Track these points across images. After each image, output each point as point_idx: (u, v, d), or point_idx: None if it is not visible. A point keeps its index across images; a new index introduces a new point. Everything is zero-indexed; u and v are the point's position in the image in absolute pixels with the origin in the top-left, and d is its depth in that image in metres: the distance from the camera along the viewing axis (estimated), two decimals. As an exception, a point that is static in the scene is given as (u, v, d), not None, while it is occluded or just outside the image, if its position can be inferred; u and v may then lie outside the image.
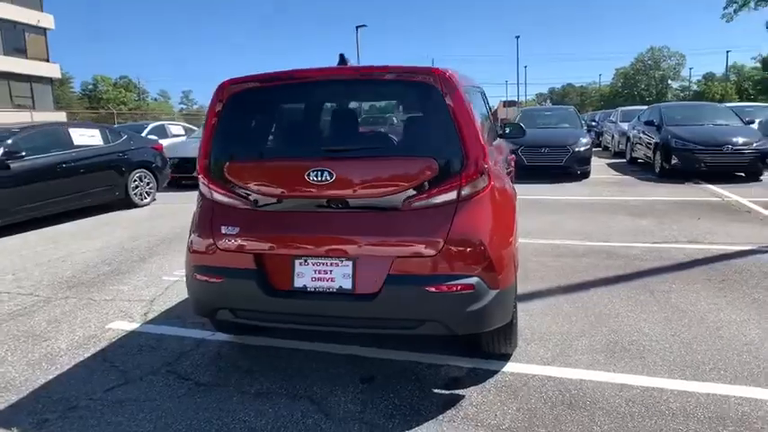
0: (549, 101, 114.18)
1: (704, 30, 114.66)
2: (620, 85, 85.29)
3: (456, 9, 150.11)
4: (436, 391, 2.73)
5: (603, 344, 3.17)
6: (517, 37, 47.99)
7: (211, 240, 2.75)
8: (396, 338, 3.19)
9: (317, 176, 2.56)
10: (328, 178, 2.55)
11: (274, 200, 2.71)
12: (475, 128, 2.53)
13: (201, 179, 2.89)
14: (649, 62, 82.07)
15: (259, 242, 2.68)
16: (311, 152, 2.68)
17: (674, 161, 10.01)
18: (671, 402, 2.53)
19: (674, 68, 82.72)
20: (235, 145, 2.84)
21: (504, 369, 2.91)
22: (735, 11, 65.40)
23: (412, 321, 2.53)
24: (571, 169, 10.50)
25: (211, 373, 3.01)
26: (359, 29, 36.34)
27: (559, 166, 10.38)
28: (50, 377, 3.00)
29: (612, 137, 16.92)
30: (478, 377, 2.84)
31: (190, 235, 2.96)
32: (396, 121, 2.76)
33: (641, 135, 12.13)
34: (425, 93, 2.55)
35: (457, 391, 2.71)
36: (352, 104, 2.85)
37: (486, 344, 2.91)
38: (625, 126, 14.61)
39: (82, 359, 3.22)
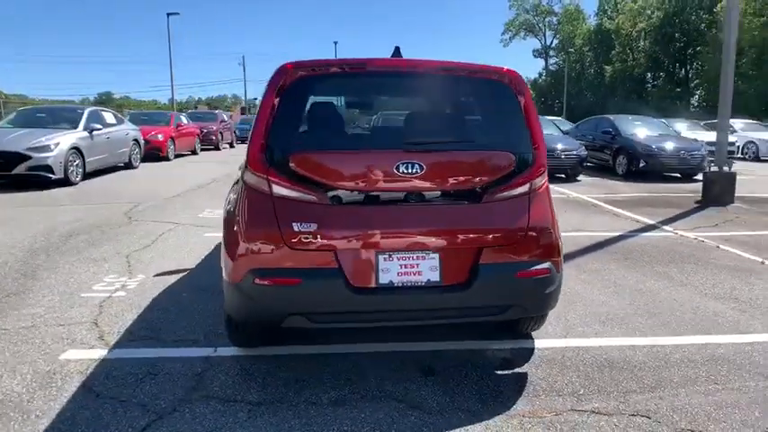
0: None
1: (492, 53, 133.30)
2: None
3: (270, 3, 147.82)
4: (499, 372, 2.90)
5: (589, 316, 3.71)
6: (335, 43, 49.36)
7: (279, 239, 2.47)
8: (417, 330, 3.24)
9: (407, 169, 2.51)
10: (418, 171, 2.52)
11: (358, 193, 2.56)
12: (540, 126, 2.77)
13: (255, 172, 2.55)
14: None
15: (340, 238, 2.50)
16: (397, 144, 2.59)
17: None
18: (672, 354, 3.13)
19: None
20: (302, 134, 2.59)
21: (537, 346, 3.20)
22: (510, 38, 77.02)
23: (499, 308, 2.66)
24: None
25: (256, 390, 2.67)
26: (170, 16, 33.39)
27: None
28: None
29: None
30: (523, 355, 3.09)
31: (231, 236, 2.60)
32: (467, 116, 2.80)
33: None
34: (501, 91, 2.70)
35: (517, 370, 2.92)
36: (432, 97, 2.82)
37: (524, 326, 3.17)
38: None
39: (64, 401, 2.54)
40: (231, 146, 24.87)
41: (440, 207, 2.62)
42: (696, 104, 48.55)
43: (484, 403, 2.58)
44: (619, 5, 61.15)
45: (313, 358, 3.02)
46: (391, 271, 2.54)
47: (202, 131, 21.13)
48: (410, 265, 2.55)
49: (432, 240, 2.57)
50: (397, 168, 2.51)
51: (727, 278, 4.64)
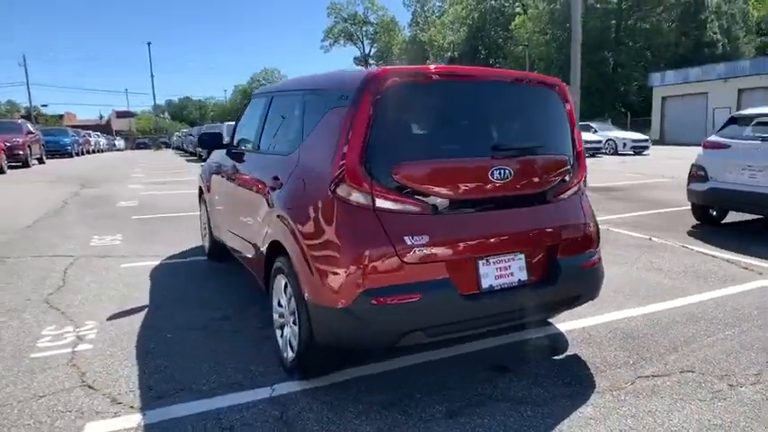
0: (166, 113, 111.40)
1: (315, 58, 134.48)
2: (239, 101, 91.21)
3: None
4: (556, 358, 3.13)
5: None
6: (149, 43, 45.22)
7: (394, 255, 2.34)
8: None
9: (500, 174, 2.58)
10: (508, 176, 2.61)
11: (458, 201, 2.54)
12: (580, 132, 3.07)
13: (355, 187, 2.37)
14: (263, 82, 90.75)
15: (448, 248, 2.46)
16: (487, 151, 2.62)
17: None
18: (661, 319, 3.71)
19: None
20: (401, 144, 2.47)
21: (567, 328, 3.52)
22: (330, 45, 78.87)
23: (573, 299, 2.88)
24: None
25: (361, 420, 2.47)
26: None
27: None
28: None
29: None
30: (560, 340, 3.36)
31: (328, 257, 2.39)
32: (535, 123, 2.91)
33: None
34: (555, 100, 2.92)
35: (568, 353, 3.18)
36: (509, 105, 2.85)
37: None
38: None
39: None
40: (41, 161, 21.30)
41: (522, 209, 2.75)
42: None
43: (571, 387, 2.78)
44: (429, 19, 67.25)
45: (384, 377, 2.88)
46: (490, 275, 2.58)
47: (6, 145, 17.74)
48: (504, 268, 2.63)
49: (519, 241, 2.68)
50: (492, 174, 2.57)
51: (640, 254, 5.56)
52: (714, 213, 6.82)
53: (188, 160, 25.30)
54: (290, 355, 2.83)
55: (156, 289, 4.43)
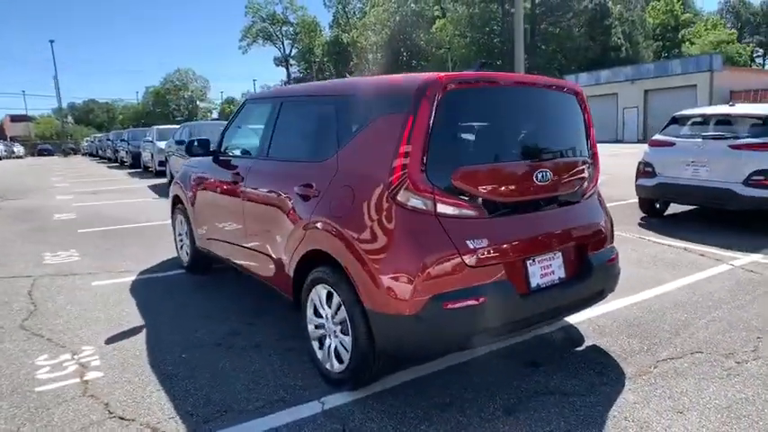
0: (69, 116, 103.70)
1: (233, 58, 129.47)
2: (151, 103, 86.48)
3: None
4: (578, 349, 3.30)
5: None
6: (51, 41, 41.65)
7: (458, 259, 2.38)
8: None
9: (542, 177, 2.70)
10: (549, 178, 2.73)
11: (508, 203, 2.61)
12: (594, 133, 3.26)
13: (418, 193, 2.38)
14: (178, 83, 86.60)
15: (505, 249, 2.54)
16: (531, 154, 2.71)
17: None
18: (653, 305, 4.02)
19: (202, 90, 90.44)
20: (457, 149, 2.51)
21: (575, 321, 3.71)
22: (248, 45, 76.85)
23: (600, 293, 3.05)
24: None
25: (424, 424, 2.48)
26: None
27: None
28: None
29: (152, 156, 15.68)
30: (573, 332, 3.55)
31: (393, 263, 2.38)
32: (565, 127, 3.04)
33: (176, 155, 11.33)
34: (575, 105, 3.07)
35: (588, 344, 3.36)
36: (546, 110, 2.93)
37: None
38: (162, 144, 14.01)
39: None
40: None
41: (559, 210, 2.87)
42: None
43: (603, 375, 2.95)
44: (351, 20, 67.46)
45: (426, 380, 2.90)
46: (536, 274, 2.69)
47: None
48: (546, 266, 2.74)
49: (558, 240, 2.81)
50: (536, 177, 2.67)
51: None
52: (658, 206, 7.44)
53: (109, 167, 23.66)
54: (335, 366, 2.77)
55: (145, 307, 4.14)
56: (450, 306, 2.35)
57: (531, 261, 2.67)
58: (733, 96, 25.85)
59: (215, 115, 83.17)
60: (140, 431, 2.47)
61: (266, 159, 3.51)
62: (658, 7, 52.43)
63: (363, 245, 2.48)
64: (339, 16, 69.08)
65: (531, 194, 2.71)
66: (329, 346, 2.82)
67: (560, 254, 2.81)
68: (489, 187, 2.55)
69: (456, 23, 48.51)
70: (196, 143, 4.28)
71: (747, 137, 6.29)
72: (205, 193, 4.36)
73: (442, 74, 2.51)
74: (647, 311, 3.89)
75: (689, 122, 7.02)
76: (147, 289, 4.61)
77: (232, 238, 3.93)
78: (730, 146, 6.25)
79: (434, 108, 2.41)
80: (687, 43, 50.38)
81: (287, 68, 76.58)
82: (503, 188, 2.60)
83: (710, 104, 27.35)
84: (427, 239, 2.38)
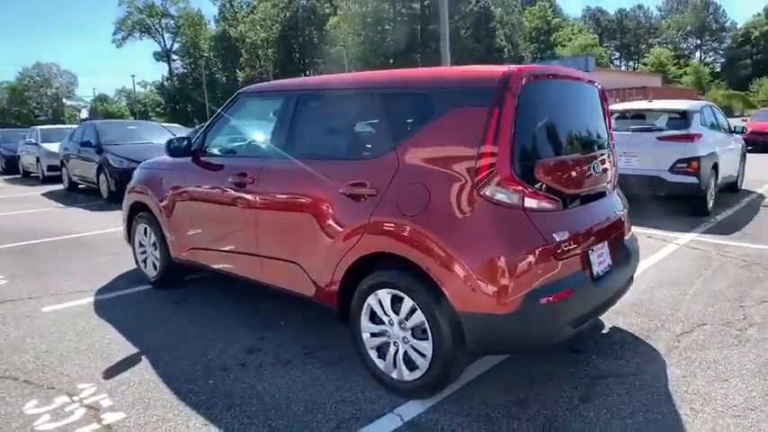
0: None
1: (108, 52, 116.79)
2: (5, 102, 76.31)
3: None
4: (605, 332, 3.46)
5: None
6: None
7: (549, 253, 2.37)
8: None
9: (596, 168, 2.78)
10: (600, 169, 2.83)
11: (576, 195, 2.64)
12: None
13: (508, 187, 2.33)
14: (38, 78, 77.29)
15: (580, 241, 2.57)
16: (590, 146, 2.76)
17: (117, 183, 9.06)
18: (641, 280, 4.34)
19: (68, 87, 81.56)
20: (535, 142, 2.48)
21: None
22: (123, 38, 70.87)
23: (631, 279, 3.21)
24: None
25: (514, 422, 2.44)
26: None
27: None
28: None
29: (38, 160, 13.72)
30: (591, 315, 3.72)
31: (483, 261, 2.31)
32: (598, 119, 3.13)
33: (79, 158, 10.50)
34: (600, 98, 3.19)
35: (610, 326, 3.53)
36: (592, 104, 2.96)
37: None
38: (53, 147, 12.58)
39: None
40: None
41: (603, 199, 2.97)
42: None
43: (642, 355, 3.11)
44: (238, 14, 64.86)
45: (483, 379, 2.86)
46: (595, 263, 2.75)
47: None
48: (600, 254, 2.82)
49: (607, 229, 2.90)
50: (594, 169, 2.74)
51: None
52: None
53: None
54: (405, 374, 2.63)
55: (127, 331, 3.61)
56: (544, 300, 2.33)
57: (591, 251, 2.73)
58: (606, 94, 28.86)
59: (84, 114, 75.60)
60: (213, 473, 2.15)
61: (284, 159, 3.21)
62: (533, 12, 57.05)
63: (449, 244, 2.37)
64: (225, 10, 66.09)
65: (590, 186, 2.78)
66: (395, 354, 2.67)
67: (606, 242, 2.92)
68: (563, 179, 2.57)
69: (350, 21, 48.71)
70: (177, 143, 3.83)
71: (670, 129, 7.05)
72: (188, 198, 3.90)
73: (516, 66, 2.47)
74: (639, 291, 4.18)
75: (614, 117, 7.68)
76: (117, 310, 4.02)
77: (235, 247, 3.56)
78: (657, 137, 6.95)
79: (517, 100, 2.37)
80: (559, 46, 55.47)
81: (168, 63, 71.68)
82: (572, 180, 2.64)
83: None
84: (519, 234, 2.34)
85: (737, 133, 8.60)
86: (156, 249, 4.39)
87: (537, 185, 2.43)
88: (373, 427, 2.45)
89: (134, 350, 3.32)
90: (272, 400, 2.69)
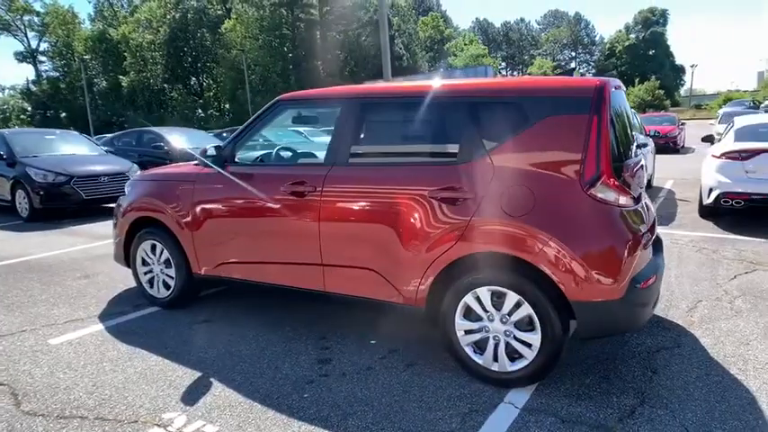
0: None
1: None
2: None
3: None
4: (630, 313, 3.89)
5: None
6: None
7: (639, 243, 2.71)
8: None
9: (643, 167, 3.17)
10: (644, 166, 3.23)
11: (641, 191, 2.99)
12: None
13: (612, 187, 2.62)
14: None
15: (650, 233, 2.93)
16: (638, 147, 3.12)
17: (44, 199, 8.36)
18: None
19: None
20: (618, 145, 2.78)
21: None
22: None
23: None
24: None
25: (610, 393, 2.73)
26: None
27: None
28: None
29: None
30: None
31: (601, 253, 2.60)
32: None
33: None
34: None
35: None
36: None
37: None
38: None
39: None
40: None
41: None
42: (218, 114, 54.21)
43: (671, 329, 3.57)
44: (118, 13, 60.13)
45: (563, 367, 3.12)
46: (649, 251, 3.13)
47: None
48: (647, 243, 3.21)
49: (653, 221, 3.29)
50: (644, 167, 3.13)
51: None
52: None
53: None
54: (508, 366, 2.81)
55: (167, 355, 3.38)
56: (642, 286, 2.64)
57: (650, 240, 3.11)
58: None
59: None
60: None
61: (354, 165, 3.23)
62: (427, 22, 59.61)
63: (562, 240, 2.59)
64: (103, 8, 60.86)
65: (643, 182, 3.16)
66: (495, 347, 2.83)
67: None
68: (634, 178, 2.90)
69: (247, 25, 47.34)
70: (215, 150, 3.66)
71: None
72: (223, 211, 3.72)
73: (601, 78, 2.77)
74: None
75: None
76: (140, 335, 3.72)
77: (287, 257, 3.47)
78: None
79: (609, 109, 2.67)
80: (453, 56, 58.52)
81: (35, 65, 64.30)
82: (638, 178, 2.99)
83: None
84: (621, 229, 2.63)
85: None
86: (168, 267, 4.11)
87: (625, 184, 2.75)
88: (497, 417, 2.59)
89: (195, 373, 3.13)
90: (383, 405, 2.73)
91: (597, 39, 73.88)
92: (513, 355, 2.81)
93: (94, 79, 59.24)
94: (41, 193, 8.32)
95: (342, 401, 2.78)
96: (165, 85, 55.07)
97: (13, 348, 3.56)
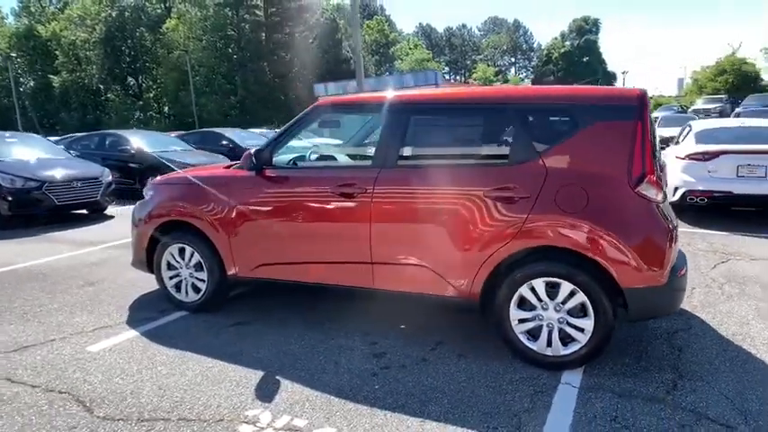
0: None
1: None
2: None
3: None
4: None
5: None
6: None
7: (674, 237, 3.05)
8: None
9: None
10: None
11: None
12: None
13: (652, 184, 2.96)
14: None
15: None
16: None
17: (13, 206, 7.99)
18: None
19: None
20: (654, 148, 3.11)
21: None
22: None
23: None
24: (102, 204, 9.01)
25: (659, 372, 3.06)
26: None
27: (95, 201, 8.72)
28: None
29: None
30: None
31: (658, 243, 2.93)
32: None
33: None
34: None
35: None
36: None
37: None
38: None
39: None
40: None
41: None
42: (158, 116, 52.16)
43: (679, 313, 3.98)
44: (46, 9, 56.69)
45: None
46: (670, 243, 3.51)
47: None
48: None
49: None
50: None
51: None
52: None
53: None
54: (561, 350, 3.08)
55: (220, 357, 3.40)
56: (680, 274, 2.99)
57: (669, 234, 3.48)
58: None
59: None
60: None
61: (405, 167, 3.42)
62: (372, 26, 60.08)
63: (616, 233, 2.89)
64: (30, 3, 57.10)
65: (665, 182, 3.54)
66: (549, 334, 3.09)
67: None
68: (663, 177, 3.25)
69: (190, 25, 45.94)
70: (254, 154, 3.73)
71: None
72: (265, 212, 3.78)
73: (639, 88, 3.10)
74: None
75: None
76: (182, 339, 3.70)
77: (334, 257, 3.59)
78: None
79: (650, 114, 3.00)
80: (398, 60, 59.36)
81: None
82: (664, 177, 3.35)
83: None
84: (662, 222, 2.96)
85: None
86: (199, 271, 4.11)
87: (661, 182, 3.09)
88: (561, 396, 2.85)
89: (257, 372, 3.20)
90: (454, 391, 2.92)
91: (535, 45, 77.46)
92: (566, 340, 3.08)
93: (21, 79, 55.49)
94: (10, 199, 7.87)
95: (414, 390, 2.95)
96: (102, 86, 52.42)
97: (52, 357, 3.47)
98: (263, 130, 18.71)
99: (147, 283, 4.69)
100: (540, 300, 3.10)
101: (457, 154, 3.46)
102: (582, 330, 3.03)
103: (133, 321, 4.09)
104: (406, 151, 3.48)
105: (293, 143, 4.02)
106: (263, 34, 47.84)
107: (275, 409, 2.79)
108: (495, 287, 3.19)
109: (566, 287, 3.02)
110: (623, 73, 61.90)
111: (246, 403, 2.85)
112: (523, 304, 3.15)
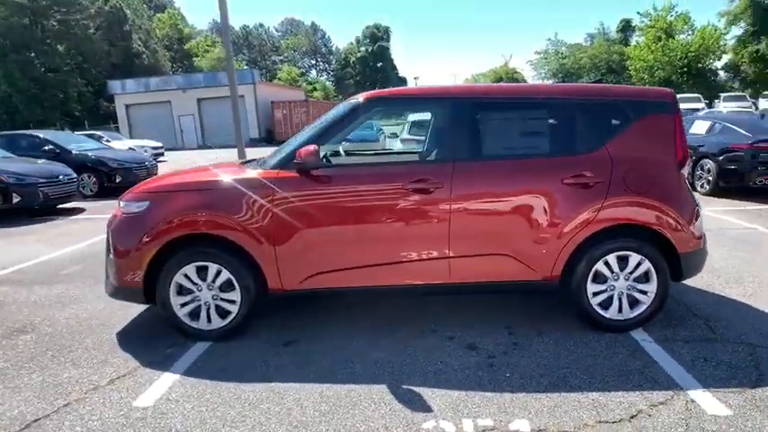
0: None
1: None
2: None
3: None
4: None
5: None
6: None
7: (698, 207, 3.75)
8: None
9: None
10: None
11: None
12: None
13: (686, 166, 3.58)
14: None
15: None
16: None
17: (15, 199, 8.69)
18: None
19: None
20: None
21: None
22: None
23: None
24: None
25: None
26: None
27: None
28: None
29: None
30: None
31: (696, 213, 3.55)
32: None
33: None
34: None
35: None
36: None
37: None
38: None
39: None
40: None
41: None
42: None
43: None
44: None
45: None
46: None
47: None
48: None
49: None
50: None
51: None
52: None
53: None
54: (629, 314, 3.55)
55: (318, 379, 3.04)
56: (704, 239, 3.70)
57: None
58: (274, 106, 31.45)
59: None
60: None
61: (482, 160, 3.51)
62: (163, 20, 54.88)
63: (674, 208, 3.43)
64: None
65: None
66: (619, 301, 3.53)
67: None
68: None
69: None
70: (290, 154, 3.42)
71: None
72: (320, 217, 3.42)
73: (668, 89, 3.72)
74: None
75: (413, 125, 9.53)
76: (240, 372, 3.14)
77: (408, 254, 3.46)
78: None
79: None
80: (199, 57, 55.41)
81: None
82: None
83: (257, 112, 32.06)
84: (694, 198, 3.62)
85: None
86: (228, 290, 3.52)
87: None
88: (652, 349, 3.32)
89: (376, 387, 2.95)
90: (572, 363, 3.17)
91: (334, 49, 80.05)
92: (633, 305, 3.56)
93: None
94: None
95: (540, 369, 3.09)
96: None
97: (97, 419, 2.63)
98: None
99: (99, 317, 3.79)
100: (612, 272, 3.51)
101: (528, 145, 3.67)
102: (646, 293, 3.54)
103: (153, 363, 3.31)
104: (479, 144, 3.56)
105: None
106: (28, 20, 39.97)
107: (446, 416, 2.65)
108: (574, 266, 3.49)
109: (634, 258, 3.49)
110: (415, 78, 68.20)
111: (408, 417, 2.65)
112: (597, 278, 3.53)
